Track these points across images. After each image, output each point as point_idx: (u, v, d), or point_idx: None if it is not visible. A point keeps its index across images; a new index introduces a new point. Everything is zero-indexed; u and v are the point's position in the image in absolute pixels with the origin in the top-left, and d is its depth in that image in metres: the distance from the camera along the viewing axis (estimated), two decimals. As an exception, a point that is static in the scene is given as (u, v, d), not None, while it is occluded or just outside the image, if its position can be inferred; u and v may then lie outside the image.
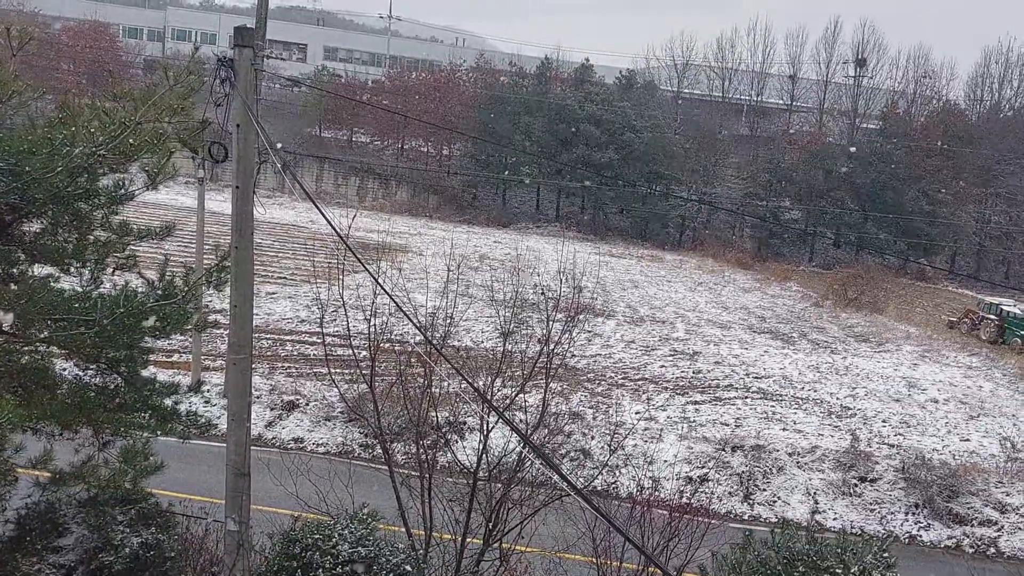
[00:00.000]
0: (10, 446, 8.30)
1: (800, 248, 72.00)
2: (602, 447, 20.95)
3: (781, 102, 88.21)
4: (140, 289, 9.22)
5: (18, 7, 78.98)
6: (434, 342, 11.06)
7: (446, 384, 15.68)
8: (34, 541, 9.11)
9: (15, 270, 8.98)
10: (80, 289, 8.97)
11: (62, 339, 8.47)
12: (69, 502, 9.64)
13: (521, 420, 13.61)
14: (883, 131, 73.35)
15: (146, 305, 8.75)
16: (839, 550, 9.18)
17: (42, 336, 8.78)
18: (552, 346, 13.30)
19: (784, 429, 24.73)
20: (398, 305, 8.10)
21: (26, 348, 9.30)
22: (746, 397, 27.89)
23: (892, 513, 20.48)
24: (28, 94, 8.49)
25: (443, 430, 14.62)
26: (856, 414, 27.19)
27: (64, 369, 9.95)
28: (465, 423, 18.81)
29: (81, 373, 9.87)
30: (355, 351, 13.34)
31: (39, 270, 9.20)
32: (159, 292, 9.21)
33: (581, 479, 17.91)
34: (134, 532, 9.55)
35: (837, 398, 28.94)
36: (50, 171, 7.70)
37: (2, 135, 8.04)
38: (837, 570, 8.68)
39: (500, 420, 12.85)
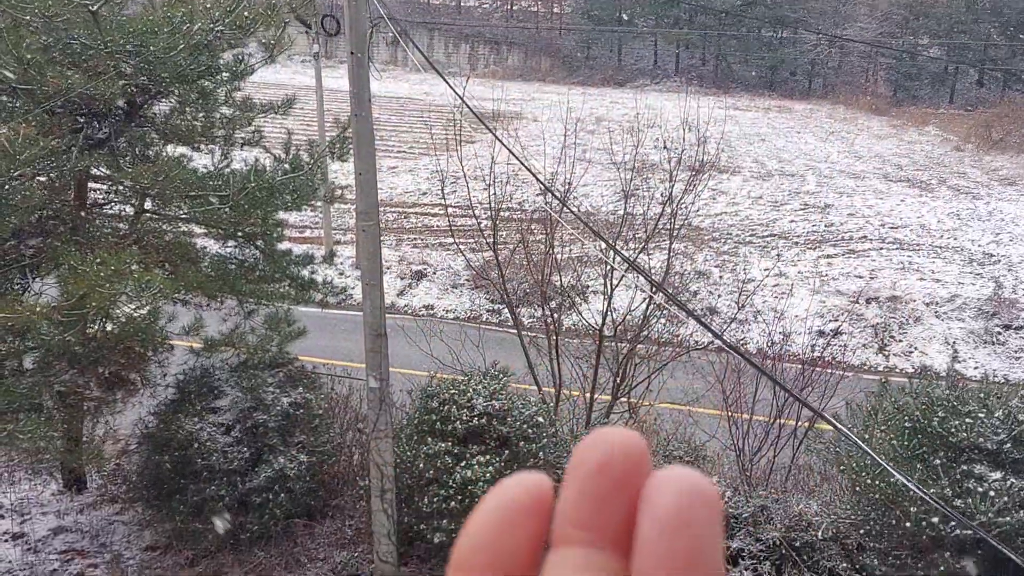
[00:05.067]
0: (164, 316, 8.88)
1: (940, 89, 67.10)
2: (729, 304, 20.72)
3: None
4: (268, 164, 9.53)
5: None
6: (555, 196, 11.04)
7: (567, 248, 15.74)
8: (194, 403, 9.84)
9: (151, 151, 9.40)
10: (212, 167, 9.34)
11: (200, 215, 8.89)
12: (222, 367, 10.33)
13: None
14: (1037, -50, 66.54)
15: (275, 179, 9.04)
16: (982, 395, 8.90)
17: (181, 213, 9.24)
18: (675, 204, 13.09)
19: (921, 279, 23.80)
20: (520, 162, 8.06)
21: (167, 227, 9.84)
22: (881, 248, 26.86)
23: (1039, 360, 19.68)
24: (144, -25, 8.65)
25: (567, 292, 14.77)
26: (1000, 260, 25.81)
27: (205, 247, 10.50)
28: (588, 287, 18.92)
29: (221, 250, 10.41)
30: (477, 220, 13.49)
31: (172, 150, 9.60)
32: (287, 166, 9.49)
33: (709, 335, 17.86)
34: (284, 392, 10.17)
35: (979, 245, 27.50)
36: (172, 50, 7.89)
37: (124, 19, 8.26)
38: (980, 414, 8.43)
39: (623, 279, 12.88)
